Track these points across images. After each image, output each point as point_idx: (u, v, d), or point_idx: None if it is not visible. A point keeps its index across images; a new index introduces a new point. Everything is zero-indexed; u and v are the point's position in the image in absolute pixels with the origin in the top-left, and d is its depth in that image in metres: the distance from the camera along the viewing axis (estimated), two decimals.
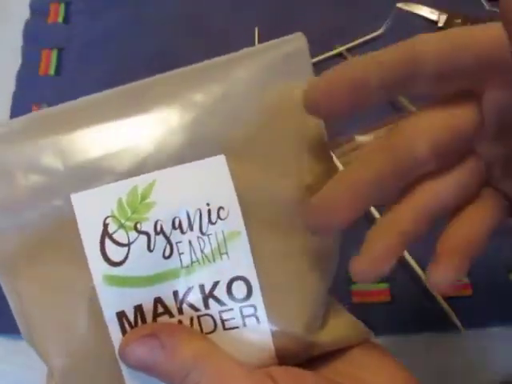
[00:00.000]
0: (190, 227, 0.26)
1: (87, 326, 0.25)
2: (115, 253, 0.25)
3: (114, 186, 0.25)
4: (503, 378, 0.38)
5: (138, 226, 0.25)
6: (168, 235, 0.25)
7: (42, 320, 0.26)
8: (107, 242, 0.25)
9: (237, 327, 0.26)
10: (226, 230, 0.26)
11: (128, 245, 0.25)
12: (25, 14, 0.53)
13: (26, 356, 0.39)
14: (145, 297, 0.26)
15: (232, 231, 0.26)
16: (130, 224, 0.25)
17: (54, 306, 0.26)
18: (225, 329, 0.26)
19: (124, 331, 0.25)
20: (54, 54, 0.51)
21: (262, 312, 0.26)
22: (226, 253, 0.26)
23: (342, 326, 0.28)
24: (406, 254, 0.40)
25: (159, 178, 0.25)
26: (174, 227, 0.25)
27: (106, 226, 0.25)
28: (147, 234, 0.25)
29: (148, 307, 0.26)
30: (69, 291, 0.26)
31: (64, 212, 0.25)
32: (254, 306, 0.26)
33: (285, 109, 0.27)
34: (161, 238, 0.25)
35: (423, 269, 0.40)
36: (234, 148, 0.26)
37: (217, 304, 0.26)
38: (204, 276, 0.26)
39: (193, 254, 0.26)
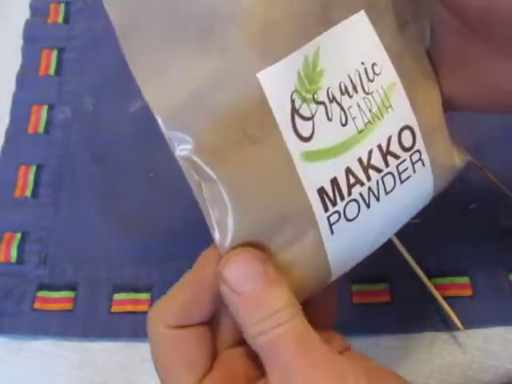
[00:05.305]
0: (355, 90, 0.26)
1: (290, 206, 0.25)
2: (304, 128, 0.25)
3: (291, 58, 0.25)
4: (503, 378, 0.38)
5: (316, 96, 0.25)
6: (340, 102, 0.26)
7: (246, 204, 0.25)
8: (296, 118, 0.25)
9: (409, 176, 0.28)
10: (384, 84, 0.27)
11: (312, 118, 0.25)
12: (25, 14, 0.53)
13: (25, 356, 0.40)
14: (336, 168, 0.26)
15: (389, 84, 0.27)
16: (310, 96, 0.25)
17: (259, 190, 0.25)
18: (401, 182, 0.27)
19: (326, 208, 0.26)
20: (54, 54, 0.51)
21: (425, 155, 0.28)
22: (390, 106, 0.27)
23: (456, 151, 0.30)
24: (406, 254, 0.40)
25: (321, 43, 0.26)
26: (341, 93, 0.26)
27: (293, 101, 0.25)
28: (323, 103, 0.26)
29: (342, 179, 0.26)
30: (270, 173, 0.25)
31: (250, 90, 0.24)
32: (419, 151, 0.28)
33: None
34: (335, 105, 0.26)
35: (423, 269, 0.40)
36: (370, 4, 0.27)
37: (394, 159, 0.27)
38: (379, 135, 0.27)
39: (363, 116, 0.26)
